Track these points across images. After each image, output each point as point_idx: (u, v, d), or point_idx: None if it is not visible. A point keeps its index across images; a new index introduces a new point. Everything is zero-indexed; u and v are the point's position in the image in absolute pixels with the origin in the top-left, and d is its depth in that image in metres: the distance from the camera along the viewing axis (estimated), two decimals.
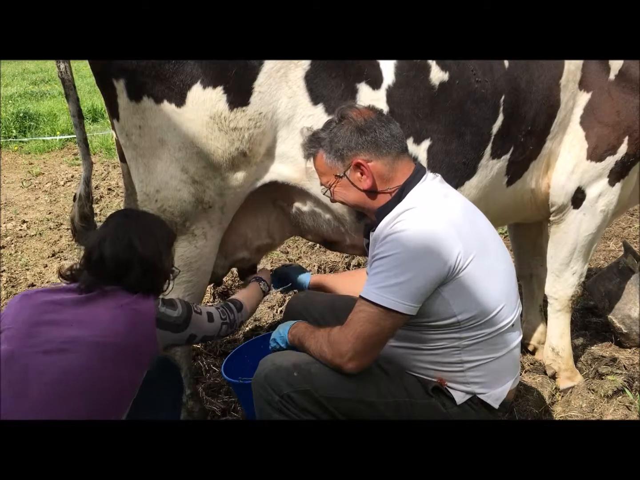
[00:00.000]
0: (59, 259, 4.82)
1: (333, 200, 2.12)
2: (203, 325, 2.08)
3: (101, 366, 1.80)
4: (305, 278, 2.71)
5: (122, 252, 1.94)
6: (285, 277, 2.75)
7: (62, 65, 2.39)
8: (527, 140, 2.62)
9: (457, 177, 2.52)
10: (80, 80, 11.82)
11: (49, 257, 4.83)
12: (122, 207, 3.03)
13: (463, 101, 2.43)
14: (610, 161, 2.72)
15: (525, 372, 3.15)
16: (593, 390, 2.92)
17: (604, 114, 2.67)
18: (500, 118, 2.51)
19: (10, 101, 10.95)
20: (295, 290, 2.82)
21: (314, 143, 2.06)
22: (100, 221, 2.22)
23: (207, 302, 3.93)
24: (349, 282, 2.63)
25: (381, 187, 2.00)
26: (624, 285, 3.38)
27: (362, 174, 2.00)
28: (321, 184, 2.13)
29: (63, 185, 6.77)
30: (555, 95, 2.60)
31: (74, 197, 2.57)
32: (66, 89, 2.45)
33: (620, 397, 2.87)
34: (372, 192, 2.01)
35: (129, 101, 2.19)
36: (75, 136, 8.10)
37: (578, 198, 2.78)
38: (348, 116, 2.01)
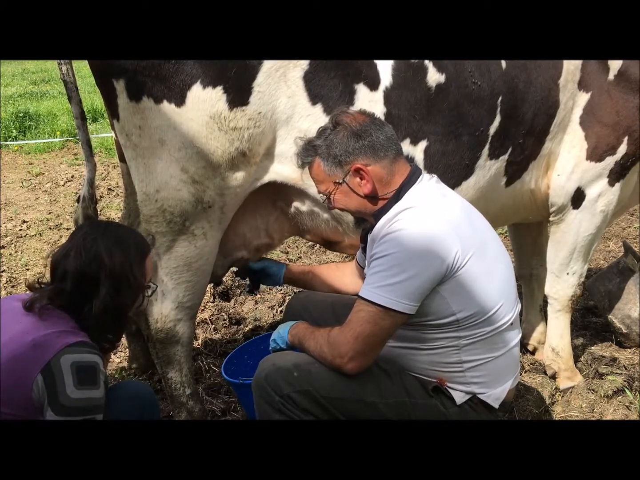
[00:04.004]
0: None
1: (332, 208, 2.10)
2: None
3: None
4: (279, 270, 2.62)
5: (87, 267, 1.79)
6: (257, 272, 2.65)
7: (64, 68, 2.39)
8: (525, 141, 2.62)
9: (454, 177, 2.52)
10: (80, 81, 11.78)
11: (49, 257, 4.82)
12: (122, 207, 3.03)
13: (460, 102, 2.43)
14: (609, 161, 2.72)
15: (525, 372, 3.15)
16: (593, 390, 2.92)
17: (603, 114, 2.67)
18: (498, 119, 2.51)
19: (10, 101, 10.94)
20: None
21: (309, 151, 2.04)
22: None
23: (207, 302, 3.93)
24: (326, 277, 2.59)
25: (381, 191, 2.00)
26: (624, 285, 3.37)
27: (361, 178, 1.99)
28: (319, 192, 2.11)
29: (63, 185, 6.77)
30: (554, 95, 2.60)
31: (77, 198, 2.57)
32: (69, 91, 2.45)
33: (620, 397, 2.87)
34: (372, 197, 2.01)
35: (129, 101, 2.19)
36: (74, 137, 8.05)
37: (578, 198, 2.78)
38: (342, 122, 2.00)
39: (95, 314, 1.80)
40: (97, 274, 1.80)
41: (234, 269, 2.78)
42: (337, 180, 2.01)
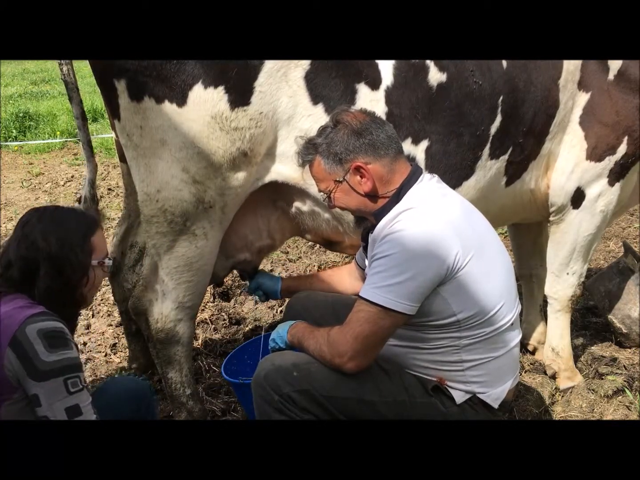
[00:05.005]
0: None
1: (332, 207, 2.10)
2: (56, 401, 1.70)
3: None
4: (275, 285, 2.63)
5: (26, 253, 1.84)
6: (257, 287, 2.66)
7: (65, 68, 2.40)
8: (525, 141, 2.62)
9: (455, 177, 2.52)
10: (80, 80, 11.74)
11: None
12: (122, 207, 3.04)
13: (461, 102, 2.43)
14: (609, 161, 2.72)
15: (525, 372, 3.15)
16: (593, 390, 2.91)
17: (603, 114, 2.67)
18: (499, 118, 2.51)
19: (10, 101, 10.94)
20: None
21: (310, 150, 2.04)
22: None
23: (207, 302, 3.93)
24: (325, 283, 2.60)
25: (381, 190, 2.00)
26: (624, 285, 3.38)
27: (361, 177, 1.99)
28: (320, 191, 2.11)
29: (63, 185, 6.77)
30: (554, 95, 2.60)
31: (79, 199, 2.58)
32: (69, 92, 2.46)
33: (620, 397, 2.87)
34: (372, 196, 2.01)
35: (130, 101, 2.19)
36: (74, 137, 8.00)
37: (578, 198, 2.78)
38: (343, 120, 2.00)
39: (40, 295, 1.84)
40: (35, 260, 1.84)
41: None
42: (338, 179, 2.01)
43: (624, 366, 3.15)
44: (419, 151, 2.44)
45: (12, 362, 1.71)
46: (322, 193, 2.10)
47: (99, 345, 3.54)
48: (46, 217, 1.91)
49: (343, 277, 2.60)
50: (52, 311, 1.84)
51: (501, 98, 2.49)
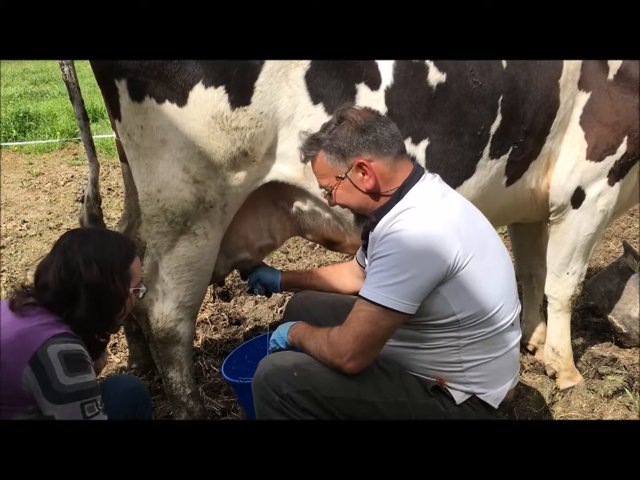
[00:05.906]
0: None
1: (333, 204, 2.09)
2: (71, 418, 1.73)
3: None
4: (275, 278, 2.63)
5: (67, 279, 1.81)
6: (257, 281, 2.67)
7: (66, 69, 2.39)
8: (526, 140, 2.62)
9: (455, 177, 2.52)
10: (80, 80, 11.76)
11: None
12: (122, 207, 3.04)
13: (461, 101, 2.43)
14: (609, 161, 2.72)
15: (525, 372, 3.15)
16: (593, 390, 2.92)
17: (603, 113, 2.67)
18: (499, 118, 2.52)
19: (10, 101, 10.94)
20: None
21: (313, 145, 2.03)
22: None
23: (207, 302, 3.93)
24: (325, 279, 2.60)
25: (383, 188, 1.99)
26: (624, 285, 3.38)
27: (363, 174, 1.98)
28: (321, 187, 2.10)
29: (63, 185, 6.77)
30: (555, 95, 2.60)
31: (82, 198, 2.58)
32: (71, 92, 2.46)
33: (620, 397, 2.87)
34: (373, 194, 2.00)
35: (131, 101, 2.19)
36: (74, 137, 8.00)
37: (578, 198, 2.78)
38: (348, 117, 1.99)
39: (76, 320, 1.83)
40: (75, 287, 1.82)
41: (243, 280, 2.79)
42: (340, 175, 2.00)
43: (624, 366, 3.15)
44: (419, 151, 2.44)
45: (28, 379, 1.70)
46: (323, 190, 2.09)
47: None
48: (89, 244, 1.88)
49: (343, 275, 2.59)
50: (83, 335, 1.83)
51: (501, 97, 2.49)
